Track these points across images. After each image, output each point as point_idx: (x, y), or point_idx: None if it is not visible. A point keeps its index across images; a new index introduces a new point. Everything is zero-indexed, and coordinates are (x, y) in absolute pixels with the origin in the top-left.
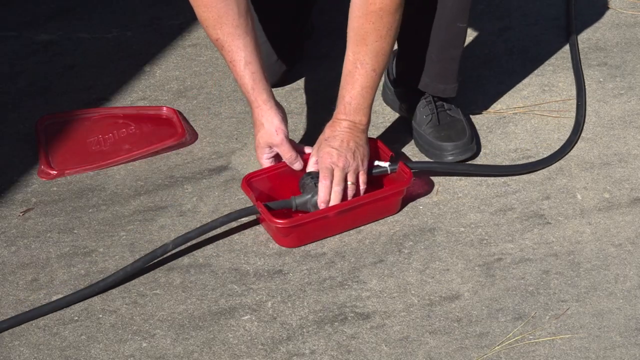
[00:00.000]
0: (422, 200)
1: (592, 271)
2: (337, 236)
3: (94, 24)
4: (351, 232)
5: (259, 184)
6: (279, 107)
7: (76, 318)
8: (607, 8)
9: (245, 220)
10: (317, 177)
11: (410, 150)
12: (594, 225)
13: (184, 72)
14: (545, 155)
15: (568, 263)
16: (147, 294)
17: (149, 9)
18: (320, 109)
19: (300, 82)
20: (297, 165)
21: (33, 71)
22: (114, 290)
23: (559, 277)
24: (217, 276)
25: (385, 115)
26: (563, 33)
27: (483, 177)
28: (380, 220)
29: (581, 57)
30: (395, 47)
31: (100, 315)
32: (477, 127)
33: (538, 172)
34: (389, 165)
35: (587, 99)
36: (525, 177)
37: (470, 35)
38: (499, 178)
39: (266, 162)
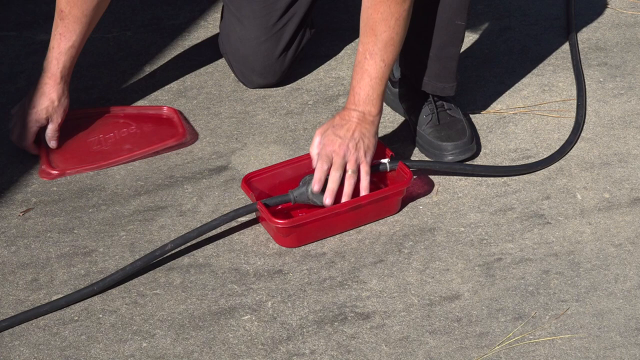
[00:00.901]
0: (422, 200)
1: (592, 271)
2: (337, 236)
3: None
4: (351, 232)
5: (258, 183)
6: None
7: (76, 318)
8: (607, 8)
9: (245, 220)
10: None
11: (410, 150)
12: (594, 225)
13: (184, 72)
14: (545, 156)
15: (568, 263)
16: (147, 294)
17: (149, 9)
18: (321, 109)
19: (300, 82)
20: (53, 144)
21: (33, 71)
22: (113, 290)
23: (559, 277)
24: (217, 276)
25: (385, 115)
26: (563, 33)
27: (483, 177)
28: (380, 220)
29: (581, 57)
30: None
31: (100, 315)
32: (477, 127)
33: (538, 172)
34: (388, 162)
35: (587, 99)
36: (525, 177)
37: (470, 35)
38: (499, 178)
39: (32, 136)
